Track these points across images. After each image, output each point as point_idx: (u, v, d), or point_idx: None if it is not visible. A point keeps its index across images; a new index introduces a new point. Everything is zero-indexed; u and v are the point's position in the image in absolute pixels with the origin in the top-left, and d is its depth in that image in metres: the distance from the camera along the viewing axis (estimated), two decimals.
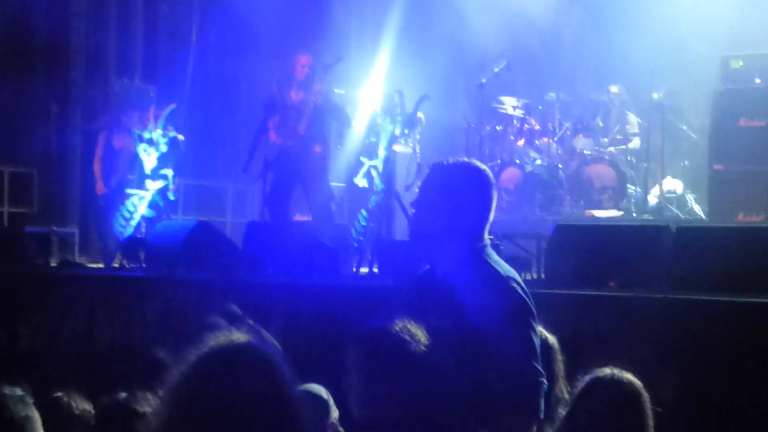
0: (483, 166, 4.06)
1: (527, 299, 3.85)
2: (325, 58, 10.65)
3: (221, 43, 14.30)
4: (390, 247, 8.99)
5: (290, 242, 9.19)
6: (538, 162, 12.84)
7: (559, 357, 4.50)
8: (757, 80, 10.88)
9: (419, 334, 3.31)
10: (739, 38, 12.55)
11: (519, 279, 3.95)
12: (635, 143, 12.70)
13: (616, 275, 7.34)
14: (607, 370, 3.93)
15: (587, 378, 3.95)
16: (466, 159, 4.07)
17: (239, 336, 2.64)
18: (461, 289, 3.78)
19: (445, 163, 4.02)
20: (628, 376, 3.91)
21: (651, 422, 3.86)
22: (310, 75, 10.63)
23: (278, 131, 10.78)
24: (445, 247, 3.94)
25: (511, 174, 12.65)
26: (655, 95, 11.82)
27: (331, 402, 5.17)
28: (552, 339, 4.42)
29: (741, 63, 11.04)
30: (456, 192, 3.92)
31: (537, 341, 3.83)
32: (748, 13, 12.62)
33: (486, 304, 3.72)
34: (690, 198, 12.20)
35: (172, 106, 10.93)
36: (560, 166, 12.55)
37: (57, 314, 8.90)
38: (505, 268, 3.94)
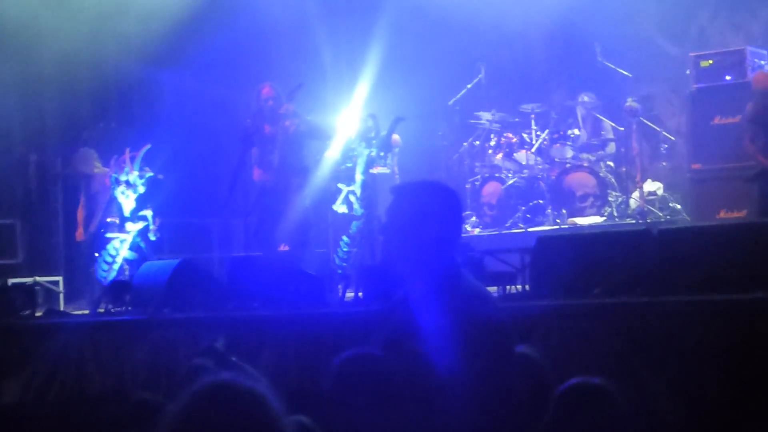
0: (446, 185, 4.03)
1: (502, 316, 3.83)
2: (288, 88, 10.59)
3: (197, 77, 14.26)
4: (374, 271, 8.96)
5: (274, 274, 9.17)
6: (518, 174, 12.85)
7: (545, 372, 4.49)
8: (727, 77, 10.96)
9: (394, 359, 3.31)
10: (708, 38, 12.67)
11: (492, 297, 3.93)
12: (611, 148, 12.74)
13: (601, 283, 7.31)
14: (576, 380, 3.90)
15: (559, 390, 3.93)
16: (428, 180, 4.03)
17: (224, 376, 2.65)
18: (435, 312, 3.76)
19: (407, 185, 3.98)
20: (598, 382, 3.88)
21: (629, 426, 3.82)
22: (275, 106, 10.56)
23: (259, 165, 10.74)
24: (417, 270, 3.90)
25: (492, 188, 12.67)
26: (629, 99, 11.87)
27: None
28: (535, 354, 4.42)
29: (711, 62, 11.12)
30: (421, 214, 3.86)
31: (514, 357, 3.82)
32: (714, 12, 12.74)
33: (459, 324, 3.69)
34: (671, 198, 12.24)
35: (147, 146, 10.92)
36: (540, 176, 12.57)
37: (46, 365, 8.85)
38: (477, 287, 3.92)
